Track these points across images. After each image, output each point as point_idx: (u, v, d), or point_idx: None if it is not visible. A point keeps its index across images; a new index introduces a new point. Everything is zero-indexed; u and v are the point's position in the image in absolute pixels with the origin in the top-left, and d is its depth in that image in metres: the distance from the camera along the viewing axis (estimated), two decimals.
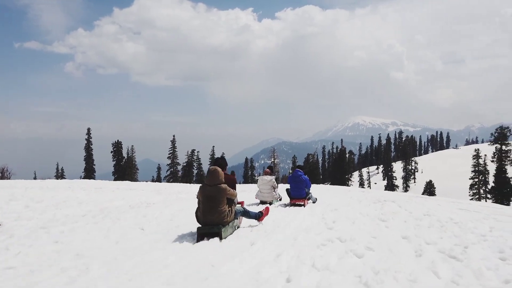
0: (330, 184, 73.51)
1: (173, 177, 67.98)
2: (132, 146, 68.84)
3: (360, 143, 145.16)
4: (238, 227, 6.06)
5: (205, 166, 77.44)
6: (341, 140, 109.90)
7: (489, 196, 53.84)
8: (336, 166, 75.11)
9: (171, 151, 68.03)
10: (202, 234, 5.13)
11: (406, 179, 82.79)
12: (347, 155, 77.46)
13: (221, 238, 5.08)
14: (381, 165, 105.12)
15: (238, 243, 4.89)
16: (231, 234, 5.56)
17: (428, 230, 5.69)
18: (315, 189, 17.16)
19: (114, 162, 67.28)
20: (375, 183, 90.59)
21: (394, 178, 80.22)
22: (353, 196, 13.70)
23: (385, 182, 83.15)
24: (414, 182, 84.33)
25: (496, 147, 40.33)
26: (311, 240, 5.04)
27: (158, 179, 73.37)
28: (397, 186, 80.00)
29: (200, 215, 5.38)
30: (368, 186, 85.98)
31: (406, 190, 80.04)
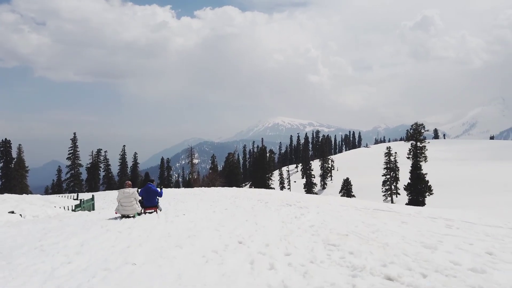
0: (250, 185, 71.28)
1: (74, 180, 59.56)
2: (20, 145, 58.56)
3: (280, 143, 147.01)
4: None
5: (114, 168, 70.03)
6: (262, 139, 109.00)
7: (399, 192, 56.13)
8: (257, 165, 73.09)
9: (72, 151, 59.50)
10: None
11: (323, 177, 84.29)
12: (267, 154, 76.12)
13: None
14: (300, 164, 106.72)
15: None
16: None
17: None
18: None
19: (2, 164, 58.25)
20: (295, 181, 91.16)
21: (313, 176, 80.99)
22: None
23: (304, 181, 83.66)
24: (331, 179, 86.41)
25: (412, 143, 41.23)
26: None
27: (58, 183, 64.29)
28: (315, 184, 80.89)
29: None
30: (288, 185, 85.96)
31: (323, 188, 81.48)
